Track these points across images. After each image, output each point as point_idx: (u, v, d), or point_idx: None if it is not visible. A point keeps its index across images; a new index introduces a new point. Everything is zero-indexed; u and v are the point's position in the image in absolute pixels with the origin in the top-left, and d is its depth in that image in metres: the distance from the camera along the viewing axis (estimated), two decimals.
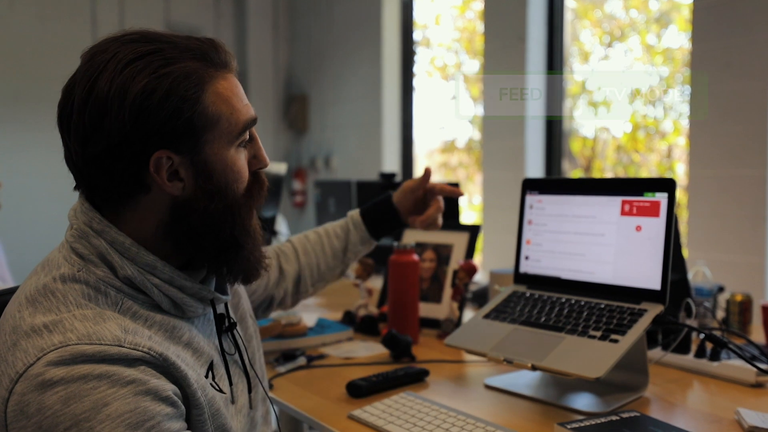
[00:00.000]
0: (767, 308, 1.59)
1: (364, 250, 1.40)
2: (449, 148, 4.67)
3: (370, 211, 1.40)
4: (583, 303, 1.29)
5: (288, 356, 1.45)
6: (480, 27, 4.09)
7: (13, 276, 2.32)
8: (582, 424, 1.01)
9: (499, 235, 3.51)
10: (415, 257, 1.62)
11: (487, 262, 3.53)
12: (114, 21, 4.41)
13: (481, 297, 2.04)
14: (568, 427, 1.00)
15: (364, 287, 1.79)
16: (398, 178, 3.99)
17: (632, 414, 1.06)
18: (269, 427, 1.03)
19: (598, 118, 3.77)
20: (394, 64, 4.40)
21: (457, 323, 1.67)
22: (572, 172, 3.77)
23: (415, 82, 4.45)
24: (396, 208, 1.39)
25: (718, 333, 1.50)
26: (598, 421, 1.02)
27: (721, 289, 1.79)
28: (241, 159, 0.86)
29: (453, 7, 4.52)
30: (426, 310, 1.72)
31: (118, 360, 0.71)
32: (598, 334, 1.19)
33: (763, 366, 1.29)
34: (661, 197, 1.23)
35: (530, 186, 1.44)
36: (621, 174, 3.73)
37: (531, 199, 1.43)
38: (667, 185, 1.22)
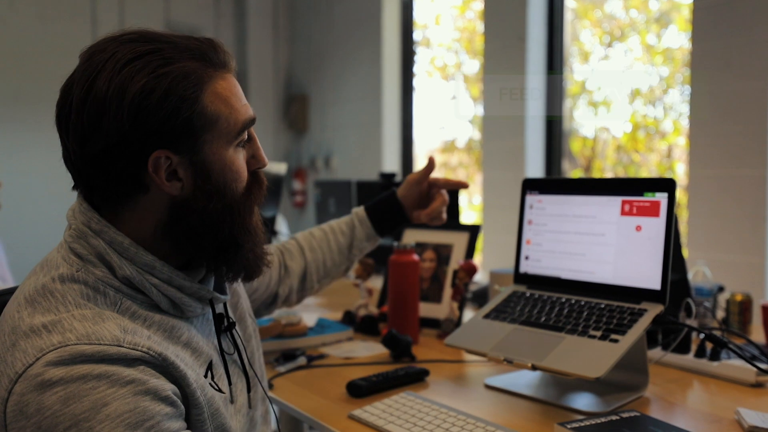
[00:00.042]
0: (767, 308, 1.59)
1: (369, 246, 1.40)
2: (449, 148, 4.67)
3: (375, 207, 1.40)
4: (583, 303, 1.29)
5: (288, 356, 1.45)
6: (480, 27, 4.09)
7: (13, 276, 2.32)
8: (582, 424, 1.01)
9: (499, 235, 3.51)
10: (415, 257, 1.62)
11: (487, 262, 3.53)
12: (114, 21, 4.41)
13: (481, 297, 2.05)
14: (569, 426, 1.00)
15: (364, 287, 1.79)
16: (398, 178, 3.99)
17: (632, 414, 1.06)
18: (269, 426, 1.03)
19: (598, 118, 3.77)
20: (394, 64, 4.40)
21: (457, 323, 1.67)
22: (572, 172, 3.77)
23: (415, 82, 4.45)
24: (401, 203, 1.39)
25: (718, 333, 1.50)
26: (598, 421, 1.02)
27: (721, 289, 1.79)
28: (239, 159, 0.86)
29: (453, 7, 4.52)
30: (426, 310, 1.73)
31: (117, 360, 0.71)
32: (598, 333, 1.19)
33: (763, 366, 1.29)
34: (661, 197, 1.23)
35: (530, 186, 1.44)
36: (621, 174, 3.73)
37: (531, 199, 1.43)
38: (667, 185, 1.22)
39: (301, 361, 1.44)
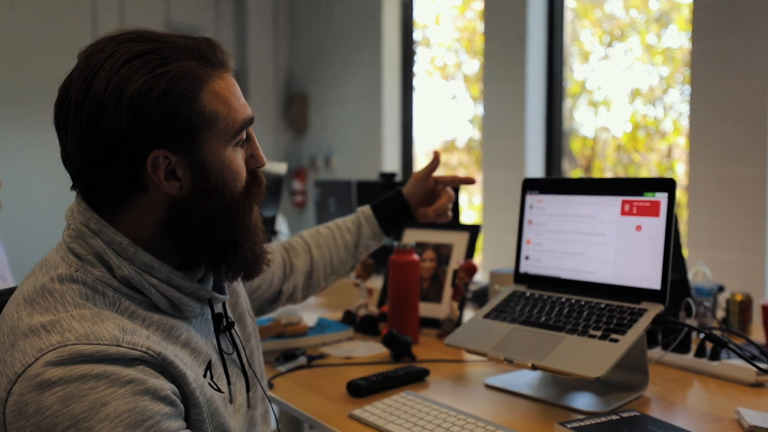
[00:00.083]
0: (767, 308, 1.59)
1: (375, 244, 1.40)
2: (449, 147, 4.67)
3: (381, 205, 1.40)
4: (583, 303, 1.29)
5: (288, 356, 1.45)
6: (480, 27, 4.10)
7: (13, 275, 2.33)
8: (582, 424, 1.01)
9: (499, 235, 3.51)
10: (415, 257, 1.62)
11: (487, 262, 3.54)
12: (114, 21, 4.41)
13: (481, 297, 2.05)
14: (569, 426, 1.01)
15: (365, 287, 1.79)
16: (398, 178, 4.00)
17: (632, 413, 1.06)
18: (269, 426, 1.03)
19: (598, 117, 3.77)
20: (394, 63, 4.40)
21: (458, 323, 1.67)
22: (572, 171, 3.78)
23: (415, 81, 4.45)
24: (407, 201, 1.39)
25: (718, 332, 1.50)
26: (599, 421, 1.02)
27: (721, 289, 1.79)
28: (238, 158, 0.86)
29: (453, 7, 4.52)
30: (426, 309, 1.73)
31: (116, 360, 0.71)
32: (599, 333, 1.19)
33: (763, 365, 1.29)
34: (661, 197, 1.23)
35: (530, 186, 1.44)
36: (621, 173, 3.73)
37: (531, 198, 1.43)
38: (667, 185, 1.23)
39: (302, 360, 1.44)
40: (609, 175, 3.77)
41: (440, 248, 1.81)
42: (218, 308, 0.93)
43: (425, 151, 4.78)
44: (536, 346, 1.23)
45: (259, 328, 1.33)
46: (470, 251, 1.78)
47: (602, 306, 1.25)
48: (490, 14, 3.60)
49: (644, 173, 3.62)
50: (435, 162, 1.41)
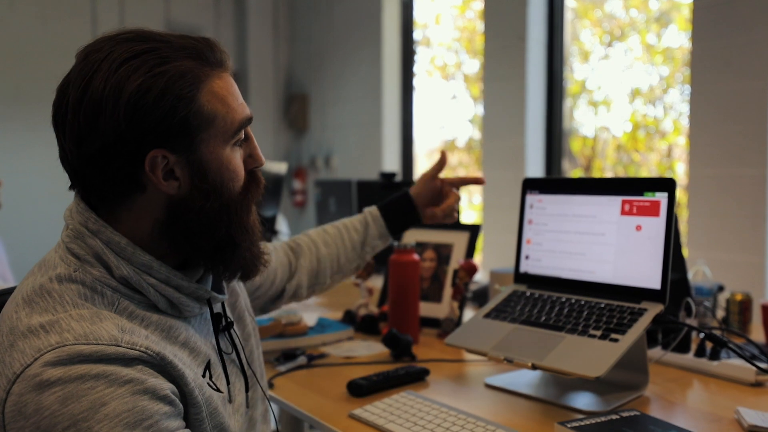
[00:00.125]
0: (767, 307, 1.59)
1: (381, 245, 1.40)
2: (449, 147, 4.67)
3: (388, 206, 1.40)
4: (583, 302, 1.29)
5: (288, 355, 1.45)
6: (480, 26, 4.10)
7: (14, 275, 2.33)
8: (582, 423, 1.01)
9: (499, 235, 3.51)
10: (416, 257, 1.62)
11: (488, 262, 3.54)
12: (114, 21, 4.41)
13: (481, 296, 2.05)
14: (569, 426, 1.01)
15: (365, 286, 1.79)
16: (398, 178, 4.00)
17: (632, 413, 1.06)
18: (268, 426, 1.03)
19: (598, 117, 3.78)
20: (394, 63, 4.40)
21: (458, 323, 1.67)
22: (572, 171, 3.78)
23: (415, 81, 4.45)
24: (414, 203, 1.39)
25: (717, 332, 1.50)
26: (599, 420, 1.02)
27: (721, 289, 1.80)
28: (236, 158, 0.86)
29: (453, 7, 4.52)
30: (426, 309, 1.73)
31: (115, 359, 0.71)
32: (599, 333, 1.19)
33: (762, 365, 1.29)
34: (661, 197, 1.23)
35: (531, 185, 1.44)
36: (621, 173, 3.73)
37: (531, 198, 1.44)
38: (667, 185, 1.23)
39: (302, 360, 1.45)
40: (609, 174, 3.77)
41: (440, 248, 1.81)
42: (217, 308, 0.93)
43: (425, 150, 4.78)
44: (536, 345, 1.23)
45: (260, 327, 1.33)
46: (470, 251, 1.78)
47: (602, 306, 1.26)
48: (490, 14, 3.60)
49: (644, 173, 3.62)
50: (442, 162, 1.41)
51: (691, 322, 1.51)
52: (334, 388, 1.29)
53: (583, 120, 3.85)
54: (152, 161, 0.79)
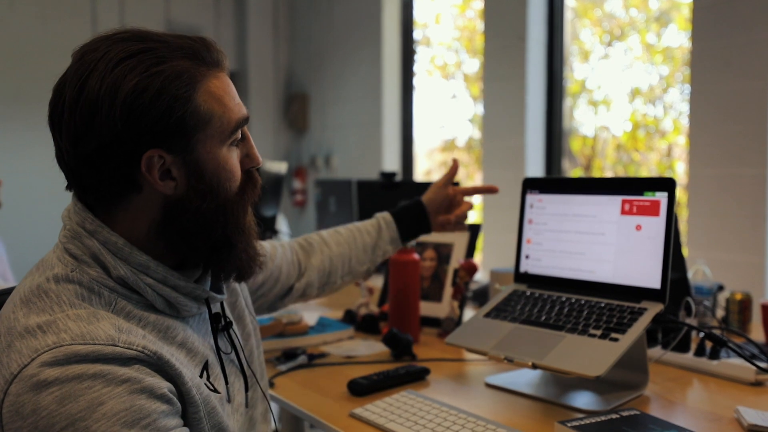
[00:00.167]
0: (767, 307, 1.59)
1: (392, 250, 1.40)
2: (449, 147, 4.67)
3: (401, 212, 1.41)
4: (583, 302, 1.29)
5: (289, 355, 1.46)
6: (480, 26, 4.10)
7: (14, 275, 2.33)
8: (582, 423, 1.01)
9: (499, 235, 3.51)
10: (416, 256, 1.62)
11: (488, 261, 3.54)
12: (114, 20, 4.41)
13: (481, 296, 2.05)
14: (569, 425, 1.01)
15: (365, 286, 1.79)
16: (398, 178, 4.00)
17: (632, 412, 1.06)
18: (269, 425, 1.03)
19: (597, 116, 3.78)
20: (394, 63, 4.40)
21: (458, 322, 1.67)
22: (572, 171, 3.78)
23: (416, 81, 4.45)
24: (426, 211, 1.40)
25: (717, 332, 1.50)
26: (599, 420, 1.03)
27: (720, 288, 1.80)
28: (233, 158, 0.86)
29: (453, 6, 4.52)
30: (427, 308, 1.73)
31: (112, 359, 0.71)
32: (599, 332, 1.19)
33: (762, 365, 1.29)
34: (661, 196, 1.23)
35: (531, 185, 1.44)
36: (621, 173, 3.73)
37: (531, 198, 1.44)
38: (667, 185, 1.23)
39: (302, 359, 1.45)
40: (609, 174, 3.78)
41: (441, 247, 1.81)
42: (216, 308, 0.93)
43: (425, 150, 4.78)
44: (536, 345, 1.23)
45: (260, 327, 1.32)
46: (470, 250, 1.79)
47: (602, 305, 1.26)
48: (490, 13, 3.60)
49: (644, 172, 3.62)
50: (453, 170, 1.43)
51: (691, 321, 1.52)
52: (335, 387, 1.29)
53: (583, 119, 3.85)
54: (148, 161, 0.78)
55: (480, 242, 3.11)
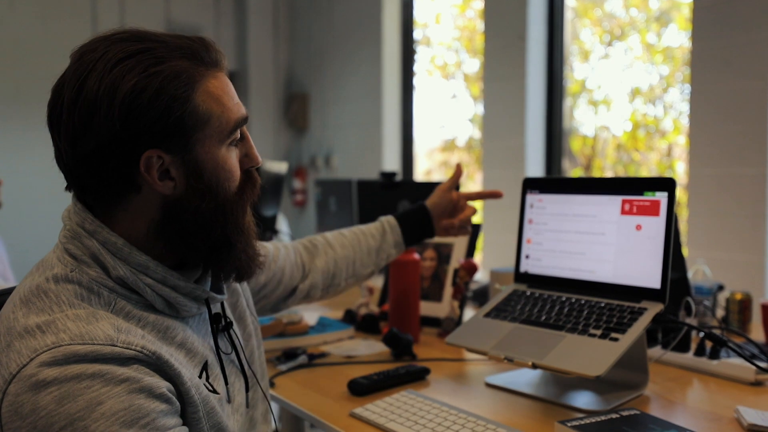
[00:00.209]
0: (767, 307, 1.59)
1: (395, 254, 1.40)
2: (449, 146, 4.68)
3: (405, 217, 1.41)
4: (583, 302, 1.29)
5: (289, 355, 1.46)
6: (480, 26, 4.10)
7: (14, 275, 2.33)
8: (582, 422, 1.01)
9: (499, 234, 3.51)
10: (416, 256, 1.62)
11: (488, 261, 3.54)
12: (114, 20, 4.41)
13: (481, 296, 2.05)
14: (569, 425, 1.01)
15: (365, 286, 1.79)
16: (398, 177, 4.00)
17: (632, 412, 1.06)
18: (269, 425, 1.03)
19: (598, 116, 3.78)
20: (395, 63, 4.41)
21: (458, 322, 1.67)
22: (572, 171, 3.78)
23: (416, 81, 4.45)
24: (430, 216, 1.40)
25: (717, 331, 1.51)
26: (599, 419, 1.03)
27: (720, 288, 1.80)
28: (232, 158, 0.85)
29: (453, 6, 4.52)
30: (427, 308, 1.73)
31: (111, 359, 0.71)
32: (599, 332, 1.20)
33: (762, 364, 1.29)
34: (661, 196, 1.23)
35: (531, 185, 1.45)
36: (621, 172, 3.73)
37: (531, 198, 1.44)
38: (667, 184, 1.23)
39: (303, 359, 1.45)
40: (609, 174, 3.78)
41: (441, 247, 1.81)
42: (216, 308, 0.93)
43: (425, 150, 4.78)
44: (536, 344, 1.23)
45: (261, 327, 1.32)
46: (470, 250, 1.79)
47: (602, 305, 1.26)
48: (490, 13, 3.60)
49: (644, 172, 3.62)
50: (457, 174, 1.44)
51: (691, 321, 1.52)
52: (335, 387, 1.30)
53: (583, 119, 3.86)
54: (147, 161, 0.78)
55: (480, 242, 3.11)
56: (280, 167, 2.64)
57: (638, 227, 1.25)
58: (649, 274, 1.23)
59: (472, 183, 4.42)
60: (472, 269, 1.70)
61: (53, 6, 4.35)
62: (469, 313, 1.82)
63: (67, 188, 0.84)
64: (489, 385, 1.30)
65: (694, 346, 1.44)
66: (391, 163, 4.42)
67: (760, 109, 2.46)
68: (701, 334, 1.39)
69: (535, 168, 3.47)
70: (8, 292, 0.89)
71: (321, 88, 4.89)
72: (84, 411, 0.68)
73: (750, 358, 1.28)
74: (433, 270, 1.80)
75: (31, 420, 0.68)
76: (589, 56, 3.80)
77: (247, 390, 0.96)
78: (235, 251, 0.87)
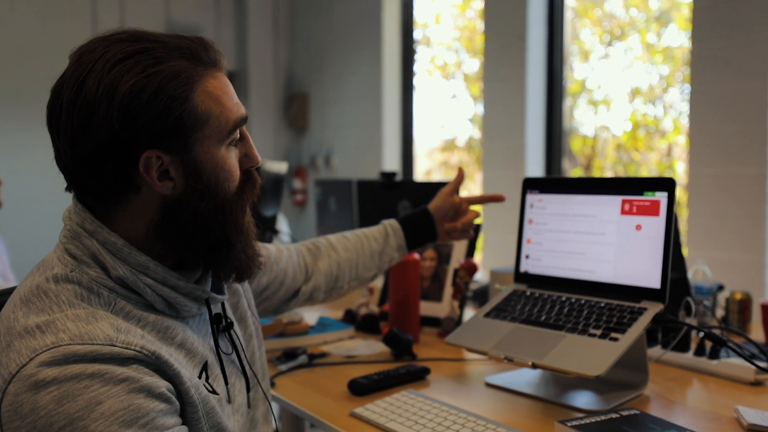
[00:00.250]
0: (766, 307, 1.60)
1: (398, 257, 1.40)
2: (449, 146, 4.68)
3: (408, 220, 1.41)
4: (583, 302, 1.29)
5: (289, 355, 1.46)
6: (480, 26, 4.10)
7: (15, 275, 2.33)
8: (582, 422, 1.02)
9: (499, 234, 3.51)
10: (416, 256, 1.62)
11: (488, 261, 3.54)
12: (114, 21, 4.41)
13: (481, 296, 2.05)
14: (569, 424, 1.01)
15: (366, 286, 1.79)
16: (398, 177, 4.00)
17: (632, 412, 1.06)
18: (270, 426, 1.03)
19: (598, 116, 3.78)
20: (395, 63, 4.41)
21: (458, 322, 1.67)
22: (572, 170, 3.78)
23: (416, 81, 4.45)
24: (433, 219, 1.40)
25: (717, 331, 1.51)
26: (598, 419, 1.03)
27: (720, 288, 1.80)
28: (231, 158, 0.85)
29: (453, 6, 4.52)
30: (427, 308, 1.73)
31: (110, 359, 0.72)
32: (598, 332, 1.20)
33: (762, 364, 1.29)
34: (661, 196, 1.23)
35: (531, 185, 1.45)
36: (621, 172, 3.73)
37: (531, 198, 1.44)
38: (666, 184, 1.23)
39: (303, 359, 1.45)
40: (609, 174, 3.78)
41: (441, 247, 1.82)
42: (217, 308, 0.93)
43: (425, 150, 4.78)
44: (536, 344, 1.23)
45: (261, 327, 1.32)
46: (471, 250, 1.79)
47: (602, 305, 1.26)
48: (490, 13, 3.61)
49: (644, 172, 3.63)
50: (459, 178, 1.44)
51: (691, 321, 1.52)
52: (335, 387, 1.30)
53: (583, 119, 3.86)
54: (146, 162, 0.78)
55: (480, 242, 3.11)
56: (280, 167, 2.64)
57: (638, 227, 1.25)
58: (649, 274, 1.23)
59: (472, 183, 4.42)
60: (472, 269, 1.70)
61: (53, 6, 4.35)
62: (469, 313, 1.82)
63: (67, 189, 0.84)
64: (489, 385, 1.31)
65: (693, 346, 1.44)
66: (391, 163, 4.42)
67: (760, 109, 2.46)
68: (701, 334, 1.39)
69: (535, 168, 3.47)
70: (8, 292, 0.89)
71: (321, 88, 4.89)
72: (83, 411, 0.68)
73: (750, 358, 1.28)
74: (433, 270, 1.80)
75: (31, 420, 0.68)
76: (589, 56, 3.80)
77: (248, 390, 0.96)
78: (234, 251, 0.87)
